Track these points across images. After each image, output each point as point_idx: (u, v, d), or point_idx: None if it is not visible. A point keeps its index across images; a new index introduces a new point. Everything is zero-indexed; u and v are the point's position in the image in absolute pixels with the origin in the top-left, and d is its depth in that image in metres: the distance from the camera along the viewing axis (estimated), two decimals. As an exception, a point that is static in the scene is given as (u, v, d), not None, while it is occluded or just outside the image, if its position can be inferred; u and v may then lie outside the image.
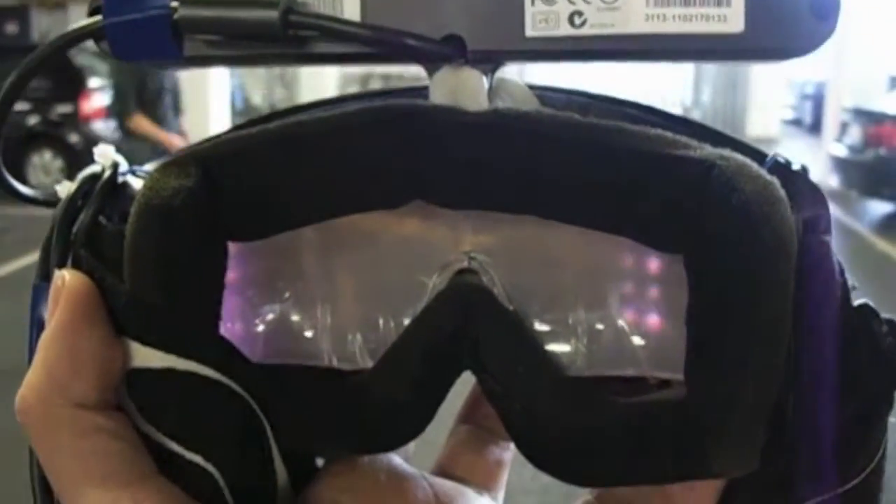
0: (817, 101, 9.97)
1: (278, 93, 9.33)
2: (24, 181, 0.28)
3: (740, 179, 0.23)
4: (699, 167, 0.23)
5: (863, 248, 4.81)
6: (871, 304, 0.25)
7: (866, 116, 5.58)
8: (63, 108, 6.04)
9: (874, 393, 0.25)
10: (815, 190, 0.25)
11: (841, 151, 5.69)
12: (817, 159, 6.26)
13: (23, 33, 9.12)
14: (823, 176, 5.82)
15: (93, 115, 6.07)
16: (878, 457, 0.25)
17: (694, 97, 11.48)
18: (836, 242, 0.25)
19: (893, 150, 5.29)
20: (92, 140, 6.39)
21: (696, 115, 9.59)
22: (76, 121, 6.03)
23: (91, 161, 0.27)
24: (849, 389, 0.24)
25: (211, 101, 6.95)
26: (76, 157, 5.86)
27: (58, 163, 6.04)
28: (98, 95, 6.14)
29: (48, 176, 5.93)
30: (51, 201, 0.27)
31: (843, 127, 5.83)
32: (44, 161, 6.04)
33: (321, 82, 8.37)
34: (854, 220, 5.51)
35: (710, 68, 10.63)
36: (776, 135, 9.98)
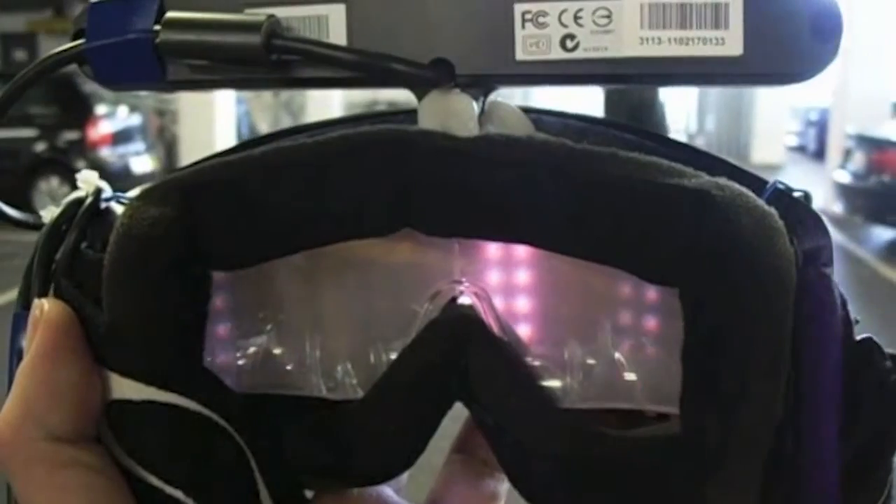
0: (821, 128, 9.96)
1: (285, 121, 9.34)
2: (31, 208, 0.28)
3: (736, 210, 0.22)
4: (693, 197, 0.22)
5: (868, 274, 4.78)
6: (875, 338, 0.24)
7: (870, 143, 5.57)
8: (70, 135, 6.06)
9: (877, 430, 0.24)
10: (816, 219, 0.24)
11: (845, 178, 5.68)
12: (821, 185, 6.25)
13: (31, 60, 9.19)
14: (827, 202, 5.82)
15: (100, 141, 6.09)
16: (883, 497, 0.24)
17: (698, 125, 11.49)
18: (840, 269, 0.24)
19: (897, 176, 5.28)
20: (99, 167, 6.46)
21: (700, 143, 9.61)
22: (83, 147, 6.05)
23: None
24: (851, 427, 0.23)
25: (217, 129, 6.96)
26: (83, 184, 5.87)
27: (65, 189, 6.05)
28: (105, 122, 6.16)
29: (56, 202, 5.90)
30: (38, 224, 0.26)
31: (847, 153, 5.82)
32: (51, 187, 6.05)
33: (327, 111, 8.38)
34: (858, 246, 5.48)
35: (714, 96, 10.66)
36: (781, 161, 9.97)
